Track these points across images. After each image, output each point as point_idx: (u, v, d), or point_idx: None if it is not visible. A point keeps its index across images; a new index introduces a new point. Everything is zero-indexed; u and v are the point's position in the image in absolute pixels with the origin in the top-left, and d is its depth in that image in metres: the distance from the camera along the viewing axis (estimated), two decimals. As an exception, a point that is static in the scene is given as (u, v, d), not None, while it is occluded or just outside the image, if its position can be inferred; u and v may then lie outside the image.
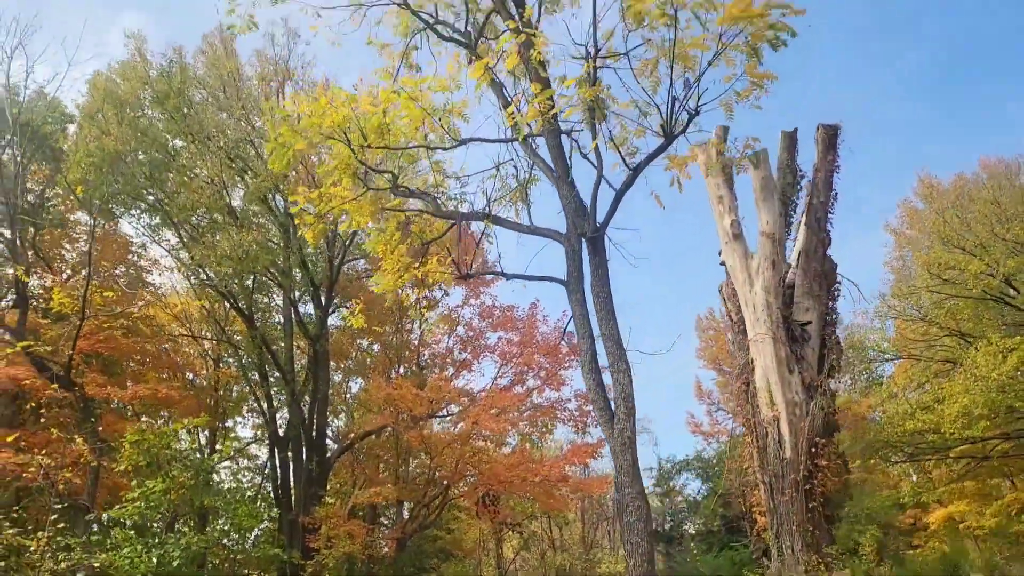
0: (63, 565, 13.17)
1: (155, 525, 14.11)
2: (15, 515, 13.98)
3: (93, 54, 53.65)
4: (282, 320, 25.05)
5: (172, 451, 13.62)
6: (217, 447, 29.35)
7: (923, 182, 33.34)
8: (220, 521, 15.88)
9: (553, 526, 37.74)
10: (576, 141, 10.14)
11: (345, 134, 10.50)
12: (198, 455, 15.88)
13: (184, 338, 25.88)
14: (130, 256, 24.99)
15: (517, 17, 10.14)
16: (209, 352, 27.98)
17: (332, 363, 26.48)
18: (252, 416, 29.44)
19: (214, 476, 26.58)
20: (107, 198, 18.90)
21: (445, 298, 27.15)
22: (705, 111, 9.50)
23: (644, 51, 9.22)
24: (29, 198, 22.62)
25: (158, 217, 21.18)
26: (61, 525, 12.71)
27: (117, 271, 24.77)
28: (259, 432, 29.45)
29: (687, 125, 9.21)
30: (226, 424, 29.41)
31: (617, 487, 9.16)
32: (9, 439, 14.69)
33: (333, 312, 25.03)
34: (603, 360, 9.84)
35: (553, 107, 9.32)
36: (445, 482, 23.52)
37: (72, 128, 23.26)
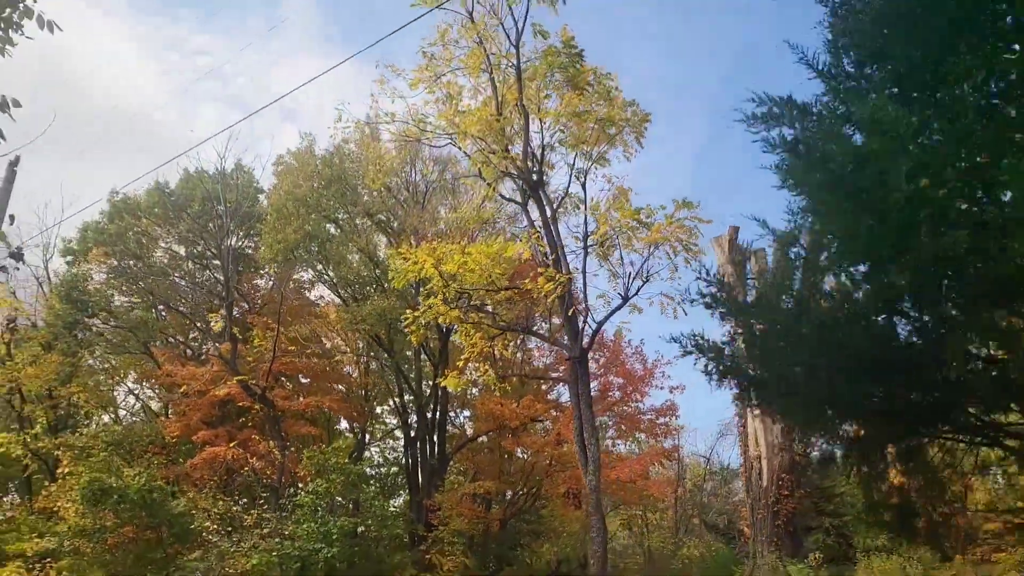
0: (266, 530, 20.50)
1: (321, 508, 21.05)
2: (236, 496, 21.52)
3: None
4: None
5: (333, 463, 20.60)
6: (368, 432, 37.15)
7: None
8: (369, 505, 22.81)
9: (648, 512, 43.11)
10: (572, 296, 15.76)
11: (439, 272, 16.73)
12: (351, 464, 22.66)
13: (342, 353, 33.42)
14: (303, 290, 32.67)
15: (539, 216, 15.85)
16: (362, 359, 35.48)
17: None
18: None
19: (366, 453, 34.06)
20: (291, 271, 26.35)
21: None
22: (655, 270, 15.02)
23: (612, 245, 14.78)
24: (232, 243, 30.68)
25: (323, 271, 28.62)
26: (265, 507, 19.97)
27: (295, 302, 32.47)
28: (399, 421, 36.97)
29: (638, 291, 14.72)
30: (375, 412, 37.12)
31: (590, 515, 14.94)
32: (232, 444, 22.29)
33: (451, 336, 31.62)
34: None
35: (567, 279, 15.00)
36: (538, 477, 29.72)
37: (263, 198, 31.06)
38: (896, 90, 7.49)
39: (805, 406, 8.68)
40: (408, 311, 17.04)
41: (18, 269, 7.50)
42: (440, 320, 17.48)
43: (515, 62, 15.97)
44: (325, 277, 29.25)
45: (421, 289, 18.74)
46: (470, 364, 18.02)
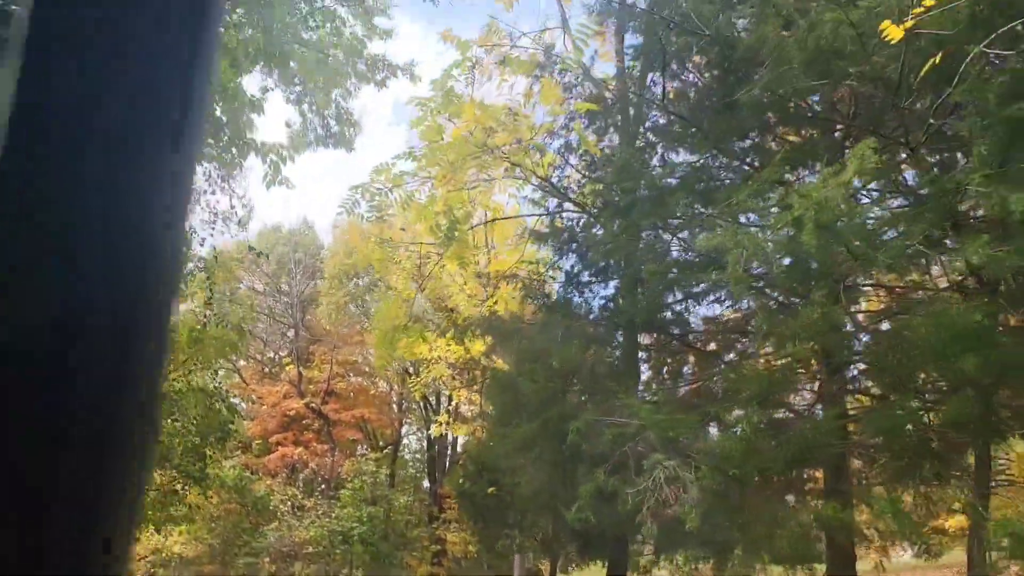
0: (320, 512, 29.74)
1: (358, 499, 30.09)
2: (300, 485, 30.86)
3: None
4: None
5: (367, 469, 29.67)
6: (405, 423, 46.43)
7: None
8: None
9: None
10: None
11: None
12: (378, 470, 31.62)
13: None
14: (353, 323, 41.83)
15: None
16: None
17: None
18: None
19: (404, 441, 42.81)
20: (341, 324, 35.63)
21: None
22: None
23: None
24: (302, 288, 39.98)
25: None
26: (319, 495, 29.24)
27: (345, 329, 41.61)
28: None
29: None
30: (412, 407, 46.50)
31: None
32: (297, 448, 31.66)
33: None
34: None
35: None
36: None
37: (324, 251, 40.20)
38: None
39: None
40: (411, 378, 25.80)
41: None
42: (437, 376, 26.33)
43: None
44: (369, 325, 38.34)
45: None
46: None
